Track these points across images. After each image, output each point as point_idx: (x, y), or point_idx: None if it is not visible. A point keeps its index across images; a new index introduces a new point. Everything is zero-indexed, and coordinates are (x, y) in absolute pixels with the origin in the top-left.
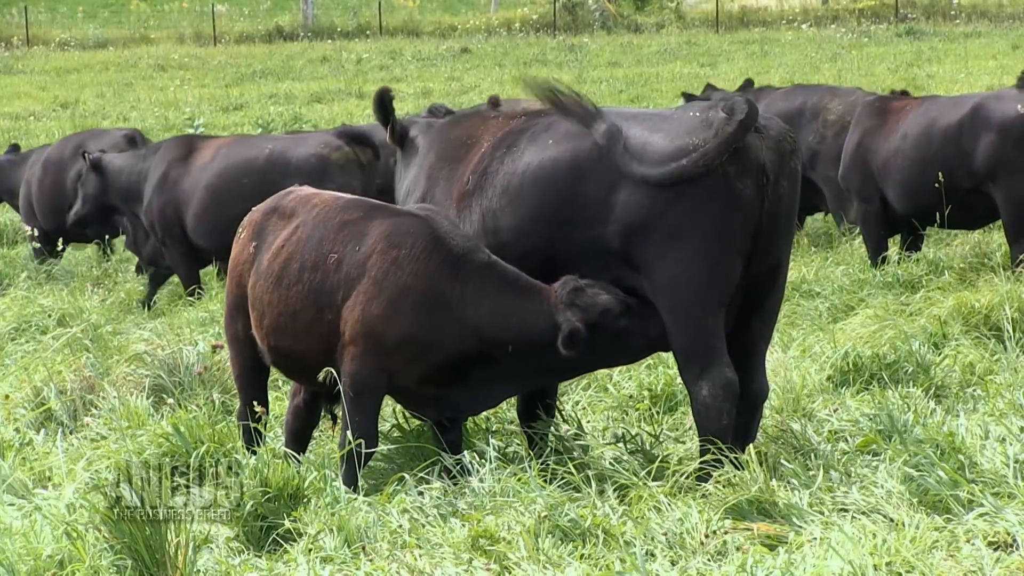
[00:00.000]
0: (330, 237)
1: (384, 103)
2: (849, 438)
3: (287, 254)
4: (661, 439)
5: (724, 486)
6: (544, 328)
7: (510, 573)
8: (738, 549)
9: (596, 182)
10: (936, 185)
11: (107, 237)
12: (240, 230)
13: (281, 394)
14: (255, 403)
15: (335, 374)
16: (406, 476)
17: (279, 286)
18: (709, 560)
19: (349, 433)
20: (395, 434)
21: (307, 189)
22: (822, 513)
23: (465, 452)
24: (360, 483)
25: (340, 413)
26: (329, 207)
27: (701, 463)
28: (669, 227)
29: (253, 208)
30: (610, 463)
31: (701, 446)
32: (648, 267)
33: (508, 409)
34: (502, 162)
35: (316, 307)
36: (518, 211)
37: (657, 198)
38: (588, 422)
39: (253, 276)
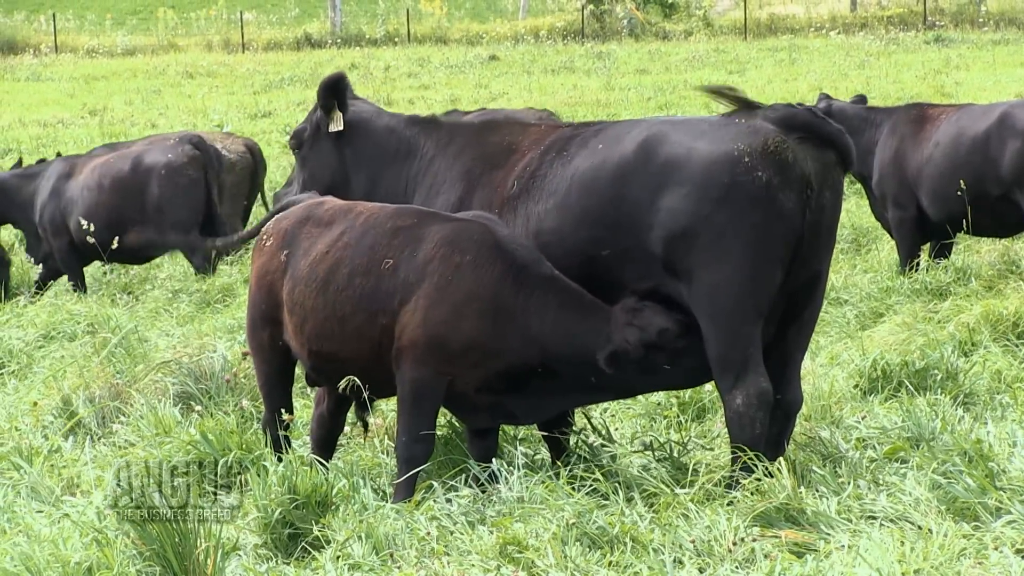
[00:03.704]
0: (383, 242)
1: (339, 89)
2: (877, 445)
3: (333, 260)
4: (689, 447)
5: (752, 493)
6: (604, 348)
7: None
8: (766, 556)
9: (641, 186)
10: (959, 193)
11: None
12: (264, 238)
13: (309, 400)
14: (282, 410)
15: (359, 382)
16: (434, 484)
17: (325, 291)
18: (737, 567)
19: (405, 438)
20: None
21: (337, 200)
22: (850, 520)
23: (493, 460)
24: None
25: (371, 421)
26: (377, 214)
27: (731, 471)
28: (712, 235)
29: (276, 216)
30: (638, 471)
31: (733, 454)
32: (689, 274)
33: None
34: (551, 167)
35: (368, 312)
36: (562, 214)
37: (701, 205)
38: (616, 430)
39: (289, 283)
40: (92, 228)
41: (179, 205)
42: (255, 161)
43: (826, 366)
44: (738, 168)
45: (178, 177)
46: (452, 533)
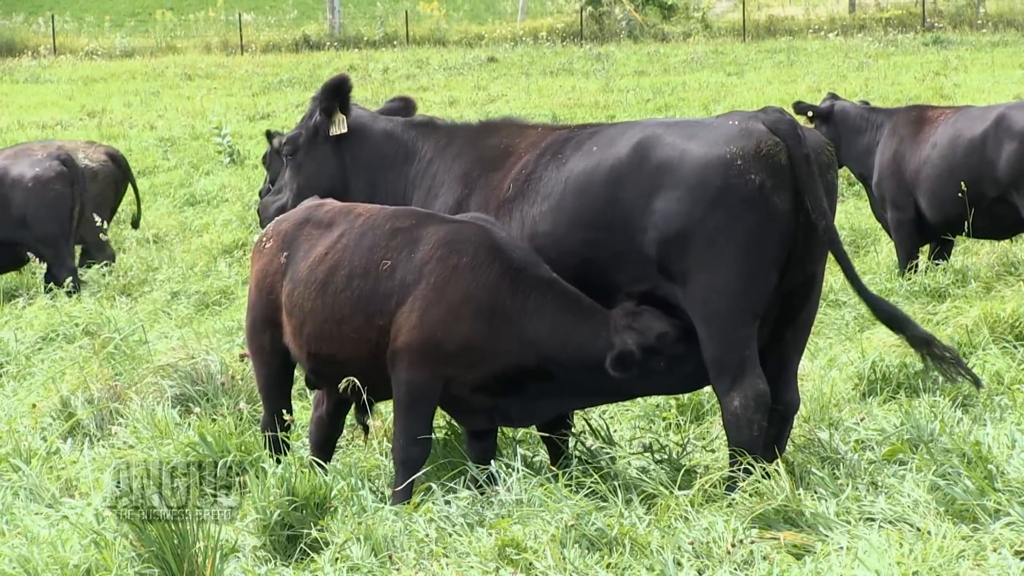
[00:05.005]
0: (381, 244)
1: (343, 92)
2: (876, 447)
3: (332, 261)
4: (688, 449)
5: (751, 495)
6: (602, 350)
7: None
8: (765, 558)
9: (635, 189)
10: (957, 194)
11: None
12: (264, 240)
13: (308, 403)
14: (281, 412)
15: (359, 384)
16: (433, 486)
17: (324, 293)
18: (736, 569)
19: (402, 441)
20: None
21: (336, 202)
22: (849, 522)
23: (492, 462)
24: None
25: (370, 423)
26: (376, 216)
27: (729, 473)
28: (706, 237)
29: (277, 219)
30: (637, 472)
31: (731, 456)
32: (684, 277)
33: None
34: (546, 169)
35: (366, 313)
36: (557, 217)
37: (694, 208)
38: (615, 431)
39: (288, 285)
40: (105, 226)
41: (45, 218)
42: (118, 169)
43: (825, 368)
44: (731, 171)
45: (45, 191)
46: (451, 535)
